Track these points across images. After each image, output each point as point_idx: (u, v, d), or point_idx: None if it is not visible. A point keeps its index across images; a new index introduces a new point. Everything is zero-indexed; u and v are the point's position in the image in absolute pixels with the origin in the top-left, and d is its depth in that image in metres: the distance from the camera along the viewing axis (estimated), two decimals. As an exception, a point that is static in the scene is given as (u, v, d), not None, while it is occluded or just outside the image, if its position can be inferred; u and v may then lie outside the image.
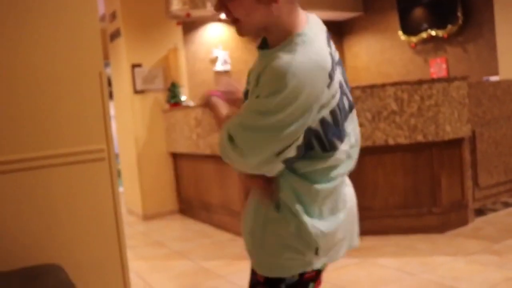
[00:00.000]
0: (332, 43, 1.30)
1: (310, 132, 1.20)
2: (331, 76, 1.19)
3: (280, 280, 1.31)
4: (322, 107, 1.19)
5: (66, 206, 2.18)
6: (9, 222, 2.06)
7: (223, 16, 1.36)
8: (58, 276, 1.87)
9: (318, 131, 1.21)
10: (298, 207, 1.25)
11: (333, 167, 1.28)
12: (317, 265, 1.32)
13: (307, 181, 1.25)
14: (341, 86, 1.27)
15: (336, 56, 1.30)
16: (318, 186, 1.25)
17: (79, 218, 2.21)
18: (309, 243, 1.27)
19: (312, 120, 1.18)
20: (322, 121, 1.21)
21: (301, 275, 1.32)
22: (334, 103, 1.22)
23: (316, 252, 1.28)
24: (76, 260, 2.19)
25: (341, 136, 1.27)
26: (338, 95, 1.24)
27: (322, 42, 1.23)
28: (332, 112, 1.23)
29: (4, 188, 2.05)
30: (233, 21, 1.27)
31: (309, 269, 1.31)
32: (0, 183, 2.04)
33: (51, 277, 1.85)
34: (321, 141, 1.23)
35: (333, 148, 1.25)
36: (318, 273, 1.37)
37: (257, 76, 1.22)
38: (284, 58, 1.14)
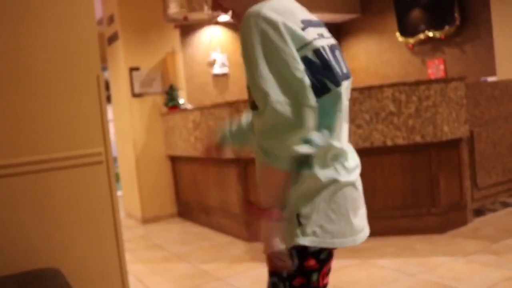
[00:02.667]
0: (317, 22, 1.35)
1: None
2: (304, 23, 1.24)
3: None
4: (302, 46, 1.21)
5: (64, 209, 2.17)
6: (7, 226, 2.05)
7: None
8: (57, 280, 1.86)
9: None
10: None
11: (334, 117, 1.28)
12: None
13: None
14: (332, 48, 1.31)
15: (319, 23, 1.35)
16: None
17: (77, 222, 2.21)
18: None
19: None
20: (305, 59, 1.21)
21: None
22: (316, 44, 1.24)
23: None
24: (74, 264, 2.18)
25: (335, 81, 1.26)
26: (321, 41, 1.26)
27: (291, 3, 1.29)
28: (316, 52, 1.23)
29: (1, 192, 2.04)
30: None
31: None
32: (-2, 187, 2.04)
33: (50, 281, 1.85)
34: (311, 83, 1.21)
35: (326, 90, 1.24)
36: (322, 263, 1.34)
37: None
38: (253, 7, 1.20)
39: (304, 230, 1.27)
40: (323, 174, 1.27)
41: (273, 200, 1.24)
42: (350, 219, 1.34)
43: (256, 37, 1.16)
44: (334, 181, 1.28)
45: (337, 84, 1.27)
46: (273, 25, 1.17)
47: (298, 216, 1.27)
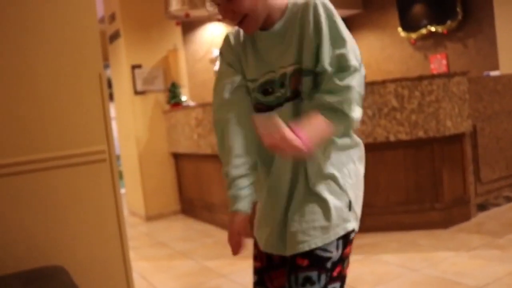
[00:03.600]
0: None
1: None
2: None
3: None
4: None
5: (68, 208, 2.18)
6: (11, 224, 2.06)
7: (229, 22, 1.38)
8: (61, 278, 1.87)
9: None
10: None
11: None
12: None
13: None
14: None
15: None
16: None
17: (81, 220, 2.21)
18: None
19: None
20: None
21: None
22: None
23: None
24: (78, 262, 2.19)
25: None
26: None
27: None
28: None
29: (5, 190, 2.05)
30: (243, 18, 1.33)
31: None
32: (1, 186, 2.04)
33: (54, 279, 1.85)
34: None
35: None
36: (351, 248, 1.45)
37: (299, 31, 1.33)
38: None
39: (353, 215, 1.38)
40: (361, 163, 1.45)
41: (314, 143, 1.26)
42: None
43: (335, 12, 1.31)
44: (363, 170, 1.45)
45: None
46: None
47: (350, 202, 1.37)
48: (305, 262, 1.32)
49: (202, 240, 4.62)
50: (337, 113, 1.27)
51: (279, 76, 1.37)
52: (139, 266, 3.91)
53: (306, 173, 1.36)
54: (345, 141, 1.39)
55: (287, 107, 1.37)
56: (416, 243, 3.68)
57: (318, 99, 1.29)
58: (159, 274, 3.73)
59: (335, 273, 1.34)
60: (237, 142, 1.42)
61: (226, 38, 1.50)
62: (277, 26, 1.37)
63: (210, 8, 1.40)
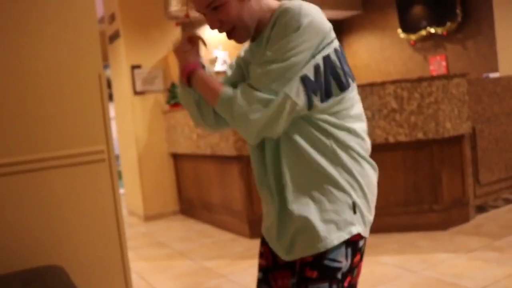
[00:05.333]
0: None
1: (327, 67, 1.24)
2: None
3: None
4: (329, 43, 1.26)
5: (67, 207, 2.18)
6: (10, 224, 2.06)
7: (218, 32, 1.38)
8: (60, 278, 1.87)
9: (335, 62, 1.27)
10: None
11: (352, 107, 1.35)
12: None
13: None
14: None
15: None
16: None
17: (80, 220, 2.21)
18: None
19: (319, 54, 1.24)
20: (327, 58, 1.25)
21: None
22: (336, 44, 1.30)
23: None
24: (77, 262, 2.19)
25: (351, 75, 1.33)
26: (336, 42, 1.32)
27: None
28: (336, 51, 1.28)
29: (4, 190, 2.05)
30: (231, 30, 1.32)
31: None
32: (0, 185, 2.04)
33: (53, 278, 1.85)
34: (337, 76, 1.27)
35: (348, 84, 1.30)
36: (362, 256, 1.40)
37: (265, 43, 1.29)
38: (292, 5, 1.23)
39: (358, 219, 1.33)
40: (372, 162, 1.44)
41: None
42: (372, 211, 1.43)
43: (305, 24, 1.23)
44: (375, 170, 1.47)
45: (353, 79, 1.38)
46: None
47: (354, 204, 1.32)
48: (315, 274, 1.28)
49: (201, 240, 4.62)
50: (227, 107, 1.26)
51: None
52: (137, 266, 3.91)
53: (290, 178, 1.32)
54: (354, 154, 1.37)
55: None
56: (414, 245, 3.68)
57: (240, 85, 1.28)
58: (157, 274, 3.73)
59: (346, 283, 1.31)
60: None
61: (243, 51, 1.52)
62: (261, 36, 1.33)
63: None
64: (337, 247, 1.29)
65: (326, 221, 1.29)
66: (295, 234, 1.32)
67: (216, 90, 1.30)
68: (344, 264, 1.30)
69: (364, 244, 1.37)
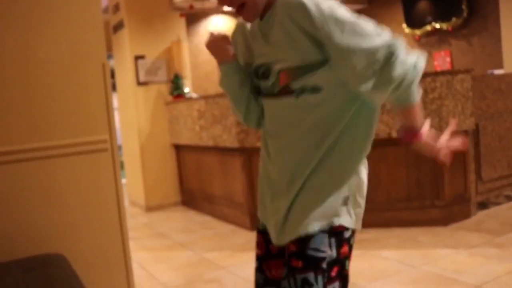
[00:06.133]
0: None
1: None
2: None
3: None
4: None
5: (69, 196, 2.19)
6: (12, 212, 2.07)
7: (227, 8, 1.40)
8: (61, 266, 1.88)
9: None
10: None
11: None
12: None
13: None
14: None
15: None
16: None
17: (82, 209, 2.22)
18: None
19: None
20: None
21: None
22: None
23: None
24: (79, 250, 2.20)
25: None
26: None
27: None
28: None
29: (7, 178, 2.06)
30: (241, 6, 1.32)
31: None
32: (3, 174, 2.05)
33: (54, 266, 1.86)
34: None
35: None
36: (351, 249, 1.43)
37: (278, 23, 1.30)
38: None
39: (348, 210, 1.35)
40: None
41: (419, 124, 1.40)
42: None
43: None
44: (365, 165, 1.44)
45: None
46: None
47: (347, 197, 1.34)
48: (300, 264, 1.31)
49: (202, 231, 4.63)
50: (401, 89, 1.28)
51: (260, 65, 1.40)
52: (138, 256, 3.92)
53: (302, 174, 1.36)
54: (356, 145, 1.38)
55: (280, 104, 1.38)
56: (415, 240, 3.68)
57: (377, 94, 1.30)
58: (158, 265, 3.74)
59: (333, 273, 1.33)
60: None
61: (234, 28, 1.54)
62: (267, 15, 1.35)
63: (215, 0, 1.42)
64: (319, 236, 1.31)
65: (315, 208, 1.32)
66: (288, 218, 1.37)
67: None
68: (329, 254, 1.31)
69: (353, 236, 1.39)
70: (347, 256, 1.38)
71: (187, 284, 3.27)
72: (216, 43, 1.46)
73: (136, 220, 5.45)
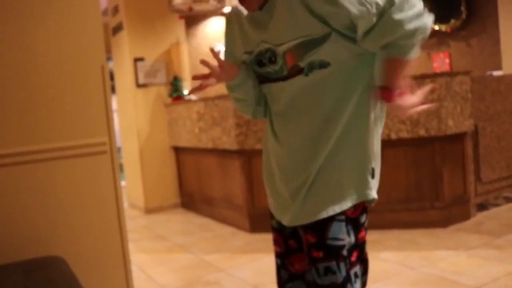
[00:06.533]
0: None
1: None
2: None
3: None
4: None
5: (68, 199, 2.18)
6: (11, 214, 2.06)
7: (227, 9, 1.42)
8: (60, 268, 1.88)
9: None
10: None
11: None
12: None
13: None
14: None
15: None
16: None
17: (81, 211, 2.22)
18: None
19: None
20: None
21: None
22: None
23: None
24: (78, 253, 2.20)
25: None
26: None
27: None
28: None
29: (6, 180, 2.05)
30: None
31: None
32: (2, 176, 2.05)
33: (53, 268, 1.86)
34: None
35: None
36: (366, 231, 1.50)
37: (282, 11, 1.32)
38: None
39: (374, 184, 1.41)
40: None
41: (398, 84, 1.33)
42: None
43: None
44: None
45: None
46: None
47: (373, 169, 1.40)
48: (321, 254, 1.33)
49: (202, 234, 4.62)
50: (401, 44, 1.30)
51: (265, 51, 1.40)
52: (137, 259, 3.91)
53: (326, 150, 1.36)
54: (378, 114, 1.41)
55: (291, 85, 1.38)
56: (415, 242, 3.68)
57: (376, 42, 1.29)
58: (157, 267, 3.74)
59: (353, 258, 1.37)
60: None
61: (229, 17, 1.55)
62: (267, 5, 1.37)
63: (214, 2, 1.42)
64: (336, 225, 1.33)
65: (338, 189, 1.37)
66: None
67: None
68: (348, 241, 1.35)
69: (366, 219, 1.44)
70: (365, 240, 1.43)
71: (186, 286, 3.27)
72: (223, 69, 1.45)
73: (135, 222, 5.44)
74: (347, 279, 1.33)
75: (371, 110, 1.37)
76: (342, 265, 1.32)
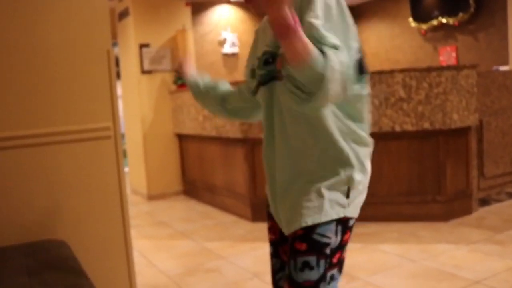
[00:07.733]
0: None
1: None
2: None
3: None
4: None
5: (72, 183, 2.19)
6: (15, 197, 2.07)
7: None
8: (62, 251, 1.89)
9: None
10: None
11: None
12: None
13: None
14: None
15: None
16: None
17: (84, 196, 2.22)
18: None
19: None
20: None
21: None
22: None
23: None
24: (80, 237, 2.21)
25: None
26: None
27: None
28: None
29: (10, 163, 2.06)
30: None
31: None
32: (7, 158, 2.05)
33: (55, 252, 1.87)
34: (361, 64, 1.36)
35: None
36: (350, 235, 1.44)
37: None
38: None
39: (350, 202, 1.35)
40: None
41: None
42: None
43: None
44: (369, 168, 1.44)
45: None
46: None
47: (348, 188, 1.34)
48: (303, 246, 1.31)
49: (203, 221, 4.64)
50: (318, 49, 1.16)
51: (264, 53, 1.40)
52: (139, 245, 3.94)
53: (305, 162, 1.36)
54: (359, 137, 1.38)
55: (281, 86, 1.36)
56: (416, 234, 3.69)
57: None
58: (159, 253, 3.76)
59: (335, 260, 1.35)
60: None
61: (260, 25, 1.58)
62: None
63: None
64: (327, 223, 1.31)
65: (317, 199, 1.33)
66: (292, 208, 1.37)
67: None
68: (334, 240, 1.33)
69: (354, 223, 1.41)
70: (347, 242, 1.40)
71: (187, 272, 3.29)
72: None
73: (137, 208, 5.46)
74: (323, 278, 1.31)
75: (353, 123, 1.36)
76: (322, 262, 1.30)
